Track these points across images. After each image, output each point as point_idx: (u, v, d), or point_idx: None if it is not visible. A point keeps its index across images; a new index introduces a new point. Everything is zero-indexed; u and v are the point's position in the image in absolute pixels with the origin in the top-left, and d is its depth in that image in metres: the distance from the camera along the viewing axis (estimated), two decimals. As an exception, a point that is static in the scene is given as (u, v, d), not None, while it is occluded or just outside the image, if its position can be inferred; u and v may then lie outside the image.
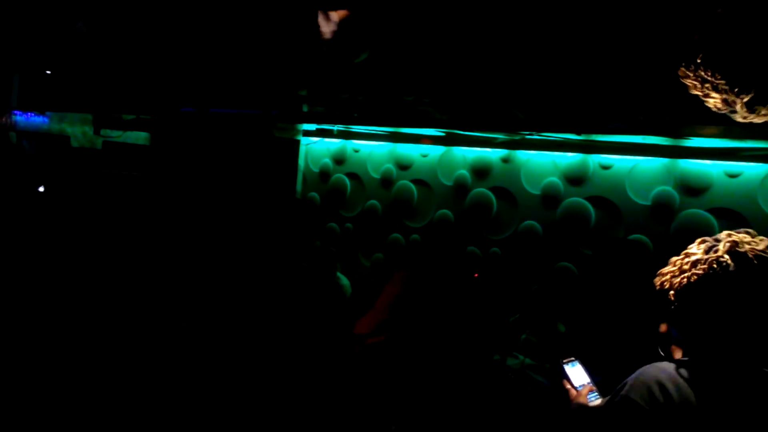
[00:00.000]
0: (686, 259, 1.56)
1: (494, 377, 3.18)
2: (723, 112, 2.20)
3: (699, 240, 1.60)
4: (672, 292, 1.55)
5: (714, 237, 1.61)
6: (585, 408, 1.75)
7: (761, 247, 1.54)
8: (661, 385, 1.42)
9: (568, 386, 1.82)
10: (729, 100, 2.09)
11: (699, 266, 1.52)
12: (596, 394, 1.81)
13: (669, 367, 1.47)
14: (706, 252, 1.55)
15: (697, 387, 1.45)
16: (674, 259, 1.60)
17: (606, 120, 2.69)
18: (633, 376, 1.47)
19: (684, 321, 1.54)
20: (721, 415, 1.41)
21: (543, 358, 3.48)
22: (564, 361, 1.85)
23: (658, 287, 1.60)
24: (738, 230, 1.62)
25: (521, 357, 3.45)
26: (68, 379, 3.13)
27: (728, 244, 1.53)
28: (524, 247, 3.77)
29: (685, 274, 1.54)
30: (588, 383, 1.83)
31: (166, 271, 4.24)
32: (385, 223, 4.39)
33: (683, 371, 1.46)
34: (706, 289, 1.50)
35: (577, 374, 1.84)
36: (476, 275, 2.93)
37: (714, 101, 2.13)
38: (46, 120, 5.14)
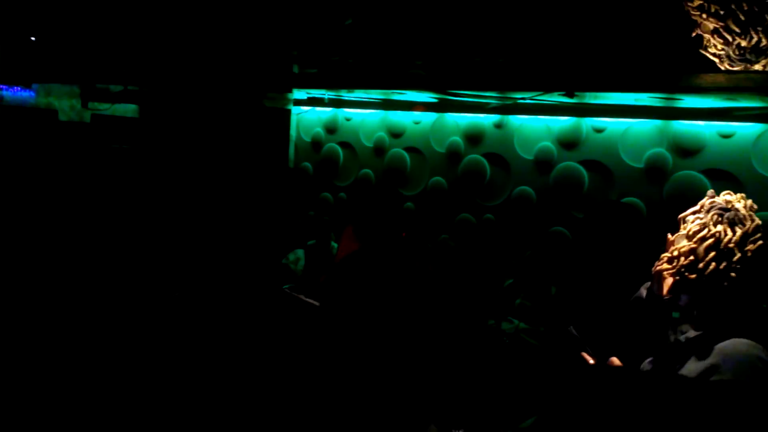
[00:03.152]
0: (726, 237, 1.55)
1: (489, 342, 3.21)
2: (723, 53, 2.17)
3: (707, 220, 1.61)
4: (729, 270, 1.55)
5: (718, 209, 1.61)
6: (631, 374, 1.73)
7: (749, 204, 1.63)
8: (762, 359, 1.46)
9: (591, 359, 1.80)
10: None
11: (750, 239, 1.54)
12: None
13: (750, 342, 1.49)
14: (735, 223, 1.56)
15: None
16: (705, 247, 1.59)
17: (599, 76, 2.66)
18: (722, 359, 1.48)
19: (735, 294, 1.57)
20: None
21: (537, 322, 3.50)
22: (574, 331, 1.83)
23: (698, 276, 1.58)
24: (723, 195, 1.65)
25: (516, 321, 3.48)
26: (58, 373, 3.12)
27: (748, 209, 1.58)
28: (518, 212, 3.76)
29: (739, 250, 1.55)
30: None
31: (159, 245, 4.23)
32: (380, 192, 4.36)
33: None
34: (762, 257, 1.55)
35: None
36: (403, 234, 2.90)
37: (716, 42, 2.11)
38: (32, 94, 5.06)
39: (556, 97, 3.22)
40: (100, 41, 4.19)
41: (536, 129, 3.71)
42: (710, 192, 1.70)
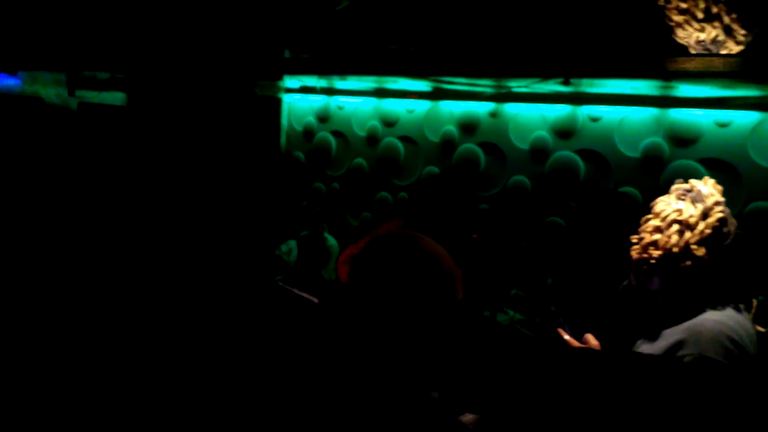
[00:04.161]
0: (688, 213, 1.59)
1: (485, 333, 3.19)
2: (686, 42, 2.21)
3: (671, 200, 1.67)
4: (695, 249, 1.57)
5: (682, 190, 1.67)
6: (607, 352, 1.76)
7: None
8: (731, 339, 1.48)
9: (566, 335, 1.82)
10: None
11: (710, 214, 1.57)
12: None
13: (723, 318, 1.51)
14: (697, 200, 1.60)
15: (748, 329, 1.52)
16: (668, 222, 1.63)
17: (594, 63, 2.63)
18: (687, 334, 1.49)
19: (700, 273, 1.59)
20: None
21: (532, 312, 3.48)
22: (553, 308, 1.86)
23: (664, 252, 1.62)
24: (685, 183, 1.70)
25: (511, 312, 3.46)
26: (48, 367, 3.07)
27: (711, 186, 1.63)
28: (513, 202, 3.73)
29: (699, 230, 1.57)
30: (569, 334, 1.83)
31: (149, 236, 4.18)
32: (373, 182, 4.33)
33: (735, 318, 1.51)
34: (723, 235, 1.56)
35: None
36: (474, 236, 2.83)
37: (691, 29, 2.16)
38: (18, 82, 4.96)
39: (552, 86, 3.18)
40: (87, 27, 4.10)
41: (531, 118, 3.68)
42: (678, 180, 1.77)
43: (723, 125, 3.12)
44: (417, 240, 1.38)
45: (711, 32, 2.39)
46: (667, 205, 1.68)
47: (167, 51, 3.93)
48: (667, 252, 1.61)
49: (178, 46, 3.88)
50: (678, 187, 1.72)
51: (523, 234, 3.67)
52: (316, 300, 2.45)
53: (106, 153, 4.57)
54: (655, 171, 3.27)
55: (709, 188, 1.65)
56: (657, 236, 1.66)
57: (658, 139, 3.27)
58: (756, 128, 3.03)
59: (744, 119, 3.07)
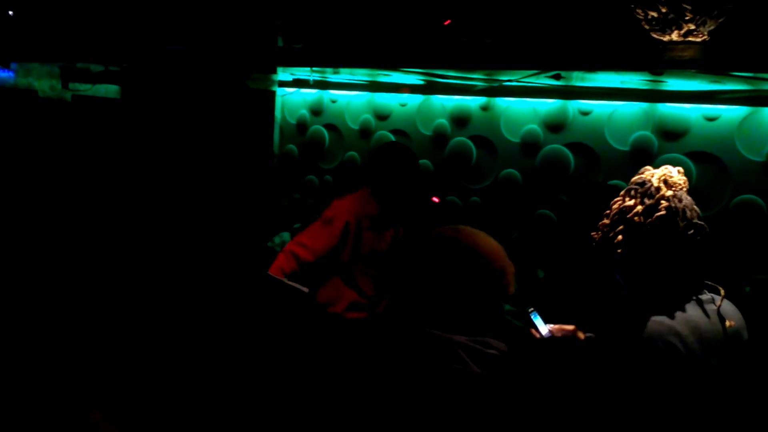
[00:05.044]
0: (633, 210, 1.57)
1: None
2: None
3: (623, 194, 1.65)
4: (635, 238, 1.56)
5: (635, 184, 1.63)
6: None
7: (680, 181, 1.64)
8: (664, 339, 1.46)
9: (537, 335, 1.84)
10: None
11: (653, 211, 1.54)
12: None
13: (665, 320, 1.49)
14: (645, 196, 1.57)
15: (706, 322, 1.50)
16: (615, 219, 1.62)
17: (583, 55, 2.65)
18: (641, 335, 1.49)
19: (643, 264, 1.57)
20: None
21: (523, 304, 3.51)
22: (530, 310, 1.89)
23: (615, 248, 1.60)
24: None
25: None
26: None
27: (661, 181, 1.58)
28: (504, 195, 3.76)
29: (640, 219, 1.55)
30: (548, 332, 1.84)
31: (142, 229, 4.19)
32: (365, 174, 4.35)
33: (686, 317, 1.49)
34: (670, 231, 1.53)
35: (540, 323, 1.87)
36: (436, 200, 2.95)
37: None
38: (12, 74, 4.96)
39: (543, 79, 3.21)
40: (80, 20, 4.10)
41: (523, 111, 3.70)
42: (644, 168, 1.72)
43: (711, 119, 3.16)
44: (470, 238, 1.44)
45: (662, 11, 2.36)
46: (616, 202, 1.66)
47: (161, 44, 3.94)
48: (617, 248, 1.60)
49: (171, 38, 3.89)
50: (635, 179, 1.67)
51: (514, 226, 3.71)
52: (306, 290, 2.47)
53: (99, 145, 4.58)
54: (644, 164, 3.29)
55: (660, 183, 1.59)
56: (605, 231, 1.65)
57: (647, 133, 3.31)
58: (743, 122, 3.07)
59: (732, 113, 3.10)
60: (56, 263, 3.98)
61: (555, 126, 3.58)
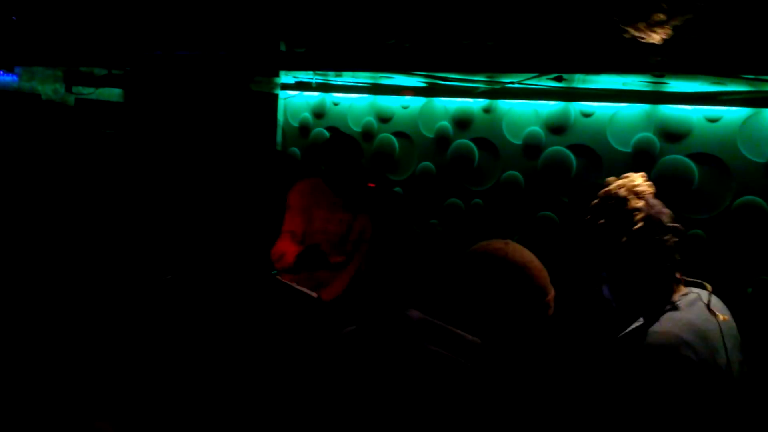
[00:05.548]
0: (600, 223, 1.52)
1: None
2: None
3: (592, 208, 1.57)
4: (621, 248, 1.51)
5: (599, 202, 1.56)
6: None
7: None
8: (688, 345, 1.40)
9: None
10: None
11: (623, 225, 1.49)
12: None
13: (679, 322, 1.45)
14: (614, 209, 1.51)
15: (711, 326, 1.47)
16: (591, 236, 1.56)
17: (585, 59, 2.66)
18: (655, 342, 1.43)
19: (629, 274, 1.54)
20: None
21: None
22: None
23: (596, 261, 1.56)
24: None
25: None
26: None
27: (629, 191, 1.53)
28: (506, 197, 3.77)
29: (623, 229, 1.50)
30: None
31: (146, 231, 4.20)
32: (369, 177, 4.36)
33: (687, 320, 1.46)
34: (649, 234, 1.50)
35: None
36: (371, 185, 3.16)
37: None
38: (15, 78, 4.98)
39: (545, 82, 3.22)
40: (83, 24, 4.12)
41: (525, 114, 3.71)
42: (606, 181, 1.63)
43: (713, 120, 3.16)
44: (518, 254, 1.40)
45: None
46: (586, 222, 1.59)
47: (164, 47, 3.96)
48: (600, 269, 1.55)
49: (174, 42, 3.90)
50: (601, 194, 1.58)
51: (516, 228, 3.71)
52: (314, 294, 2.48)
53: (103, 149, 4.59)
54: (647, 166, 3.31)
55: (627, 194, 1.53)
56: (587, 254, 1.59)
57: (650, 135, 3.31)
58: (745, 123, 3.07)
59: (733, 115, 3.11)
60: (60, 266, 3.99)
61: (557, 128, 3.59)
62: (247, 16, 3.42)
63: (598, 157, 3.47)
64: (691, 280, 1.60)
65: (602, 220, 1.52)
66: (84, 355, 3.08)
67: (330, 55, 3.41)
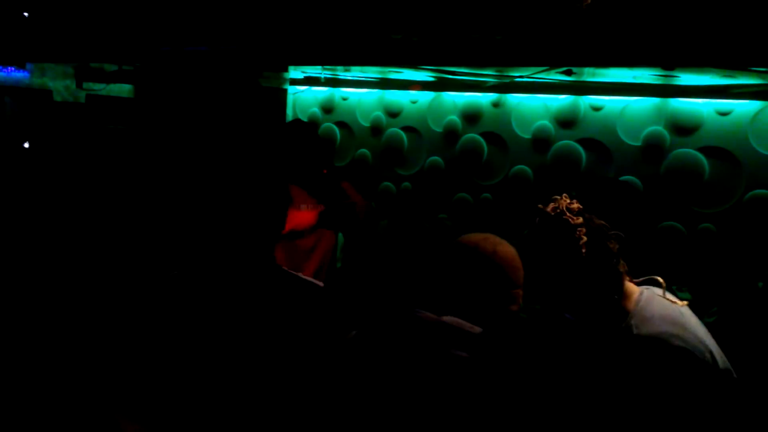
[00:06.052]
0: (551, 253, 1.56)
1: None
2: None
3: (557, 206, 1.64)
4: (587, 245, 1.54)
5: (541, 226, 1.62)
6: None
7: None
8: (703, 346, 1.43)
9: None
10: None
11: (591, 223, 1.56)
12: None
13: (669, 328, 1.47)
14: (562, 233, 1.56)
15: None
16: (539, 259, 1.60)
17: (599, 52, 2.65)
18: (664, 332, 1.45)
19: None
20: None
21: (531, 300, 3.51)
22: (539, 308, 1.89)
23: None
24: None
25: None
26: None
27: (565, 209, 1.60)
28: (515, 192, 3.76)
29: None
30: None
31: (155, 226, 4.23)
32: (376, 172, 4.37)
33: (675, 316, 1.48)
34: (599, 248, 1.54)
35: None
36: (324, 171, 3.12)
37: None
38: (27, 74, 5.02)
39: (554, 75, 3.21)
40: (94, 19, 4.15)
41: (534, 108, 3.70)
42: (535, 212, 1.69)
43: (724, 114, 3.15)
44: (481, 244, 1.53)
45: None
46: (528, 258, 1.62)
47: (174, 43, 3.97)
48: (560, 299, 1.60)
49: (184, 38, 3.92)
50: (538, 223, 1.64)
51: (525, 223, 3.70)
52: (321, 284, 2.49)
53: (114, 144, 4.62)
54: (657, 159, 3.30)
55: (561, 214, 1.59)
56: (542, 287, 1.63)
57: (660, 128, 3.30)
58: (756, 117, 3.06)
59: (744, 108, 3.09)
60: (72, 263, 4.03)
61: (566, 122, 3.58)
62: (256, 11, 3.43)
63: (608, 151, 3.46)
64: (641, 279, 1.62)
65: (545, 250, 1.56)
66: (91, 350, 3.11)
67: (338, 49, 3.41)
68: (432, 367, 1.32)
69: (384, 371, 1.35)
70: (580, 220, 1.55)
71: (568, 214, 1.57)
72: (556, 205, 1.61)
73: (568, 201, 1.61)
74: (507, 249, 1.56)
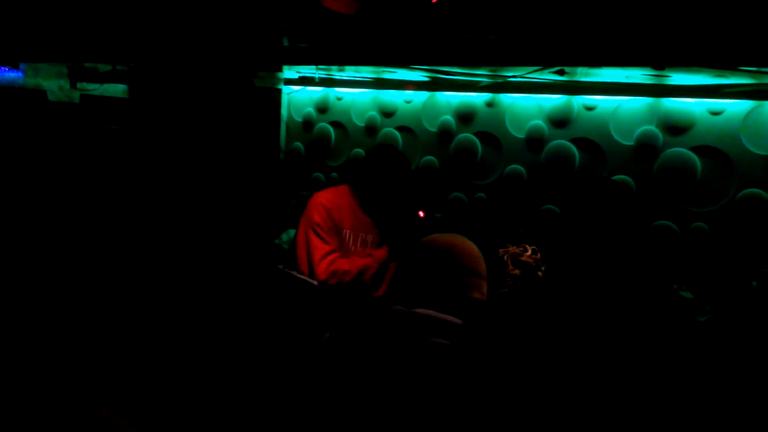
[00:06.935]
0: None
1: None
2: None
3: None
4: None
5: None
6: None
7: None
8: None
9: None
10: None
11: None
12: None
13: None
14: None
15: None
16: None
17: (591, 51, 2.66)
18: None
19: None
20: None
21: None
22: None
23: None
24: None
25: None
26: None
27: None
28: (509, 191, 3.78)
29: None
30: None
31: (151, 226, 4.23)
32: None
33: None
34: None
35: None
36: (422, 214, 2.90)
37: None
38: (20, 74, 5.01)
39: (547, 75, 3.22)
40: (88, 19, 4.14)
41: (527, 107, 3.71)
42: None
43: (716, 113, 3.16)
44: (438, 239, 1.69)
45: None
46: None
47: (168, 43, 3.97)
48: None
49: (178, 37, 3.92)
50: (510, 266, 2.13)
51: (520, 222, 3.72)
52: (315, 282, 2.50)
53: (108, 144, 4.62)
54: (649, 159, 3.32)
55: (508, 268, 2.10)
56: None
57: (652, 128, 3.31)
58: (748, 116, 3.07)
59: (736, 107, 3.11)
60: (65, 262, 4.02)
61: (560, 121, 3.60)
62: (249, 11, 3.43)
63: (602, 150, 3.48)
64: None
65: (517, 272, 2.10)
66: (88, 347, 3.11)
67: (332, 49, 3.42)
68: (413, 355, 1.42)
69: (366, 364, 1.43)
70: (518, 272, 2.10)
71: (510, 265, 2.13)
72: (506, 250, 2.14)
73: (519, 250, 2.16)
74: (463, 241, 1.69)
